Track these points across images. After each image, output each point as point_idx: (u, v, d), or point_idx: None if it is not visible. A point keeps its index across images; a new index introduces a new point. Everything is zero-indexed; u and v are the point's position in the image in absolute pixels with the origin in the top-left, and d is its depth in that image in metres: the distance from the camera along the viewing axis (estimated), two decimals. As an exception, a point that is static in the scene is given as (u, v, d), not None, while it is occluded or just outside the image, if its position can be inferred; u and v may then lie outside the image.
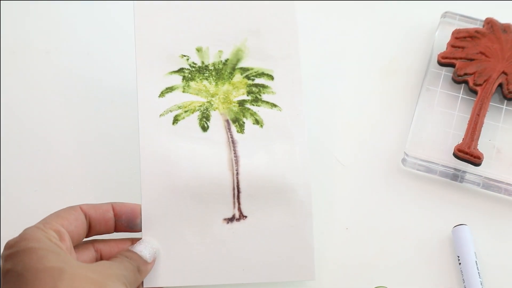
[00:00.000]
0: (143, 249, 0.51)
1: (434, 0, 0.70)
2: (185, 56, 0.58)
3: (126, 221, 0.53)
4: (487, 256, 0.57)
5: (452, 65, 0.64)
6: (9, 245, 0.46)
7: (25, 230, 0.47)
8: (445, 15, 0.68)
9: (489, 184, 0.59)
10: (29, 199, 0.58)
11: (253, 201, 0.54)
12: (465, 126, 0.61)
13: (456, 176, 0.60)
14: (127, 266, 0.49)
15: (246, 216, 0.54)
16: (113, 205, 0.52)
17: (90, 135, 0.62)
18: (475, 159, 0.59)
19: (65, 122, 0.62)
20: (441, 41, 0.66)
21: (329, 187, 0.59)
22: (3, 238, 0.56)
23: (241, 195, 0.54)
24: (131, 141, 0.59)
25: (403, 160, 0.60)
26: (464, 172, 0.59)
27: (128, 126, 0.61)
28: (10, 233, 0.56)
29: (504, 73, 0.63)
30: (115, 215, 0.52)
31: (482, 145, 0.60)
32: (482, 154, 0.59)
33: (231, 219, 0.54)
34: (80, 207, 0.51)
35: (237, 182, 0.54)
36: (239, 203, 0.54)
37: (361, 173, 0.60)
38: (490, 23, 0.66)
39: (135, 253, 0.51)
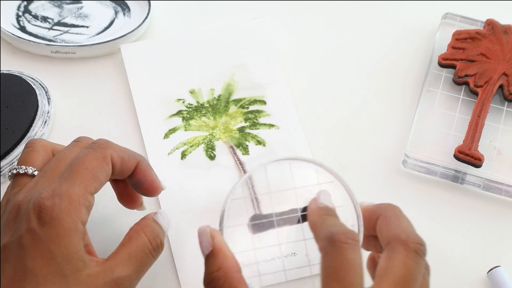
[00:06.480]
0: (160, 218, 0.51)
1: (434, 1, 0.70)
2: (180, 99, 0.63)
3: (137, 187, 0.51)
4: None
5: (452, 67, 0.64)
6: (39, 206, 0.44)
7: (58, 206, 0.44)
8: (445, 16, 0.67)
9: (490, 186, 0.59)
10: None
11: (269, 199, 0.57)
12: (466, 128, 0.61)
13: (457, 178, 0.60)
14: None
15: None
16: (138, 166, 0.51)
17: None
18: (475, 161, 0.58)
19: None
20: (442, 43, 0.65)
21: (329, 189, 0.59)
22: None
23: (257, 195, 0.57)
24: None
25: (404, 162, 0.60)
26: (465, 173, 0.59)
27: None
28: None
29: (504, 74, 0.63)
30: (134, 176, 0.51)
31: (483, 147, 0.60)
32: (482, 156, 0.59)
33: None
34: (112, 159, 0.48)
35: (252, 186, 0.57)
36: (257, 203, 0.56)
37: (361, 175, 0.60)
38: (490, 24, 0.66)
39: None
